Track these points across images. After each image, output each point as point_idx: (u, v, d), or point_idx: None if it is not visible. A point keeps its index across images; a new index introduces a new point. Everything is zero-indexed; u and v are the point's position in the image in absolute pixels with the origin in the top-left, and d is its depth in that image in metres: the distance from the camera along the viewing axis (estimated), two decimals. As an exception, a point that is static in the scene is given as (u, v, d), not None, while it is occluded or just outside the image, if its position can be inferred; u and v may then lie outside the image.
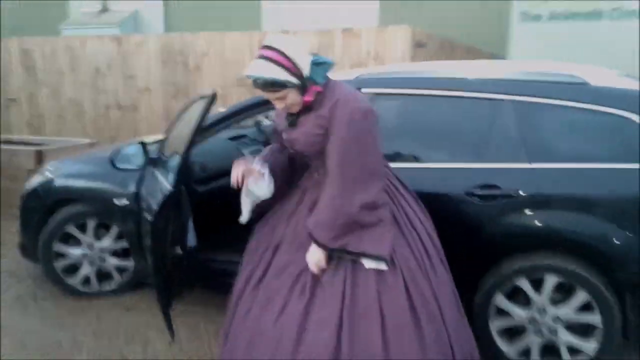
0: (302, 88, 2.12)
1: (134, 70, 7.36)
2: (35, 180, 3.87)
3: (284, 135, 2.34)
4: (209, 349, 3.08)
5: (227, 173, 3.83)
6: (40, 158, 5.30)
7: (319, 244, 2.14)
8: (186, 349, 3.09)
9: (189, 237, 3.00)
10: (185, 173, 2.91)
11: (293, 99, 2.14)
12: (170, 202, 2.78)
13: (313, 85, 2.14)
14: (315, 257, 2.18)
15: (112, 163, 3.38)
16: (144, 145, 3.39)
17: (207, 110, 2.83)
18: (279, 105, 2.19)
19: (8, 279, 4.04)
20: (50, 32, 11.07)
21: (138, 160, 3.41)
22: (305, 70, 2.10)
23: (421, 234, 2.28)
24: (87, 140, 6.33)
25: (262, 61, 2.07)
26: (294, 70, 2.07)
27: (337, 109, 2.11)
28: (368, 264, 2.12)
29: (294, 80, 2.08)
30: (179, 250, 2.91)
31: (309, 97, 2.15)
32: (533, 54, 7.16)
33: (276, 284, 2.26)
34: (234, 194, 3.86)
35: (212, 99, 2.83)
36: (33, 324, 3.37)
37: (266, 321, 2.20)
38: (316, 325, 2.11)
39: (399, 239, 2.19)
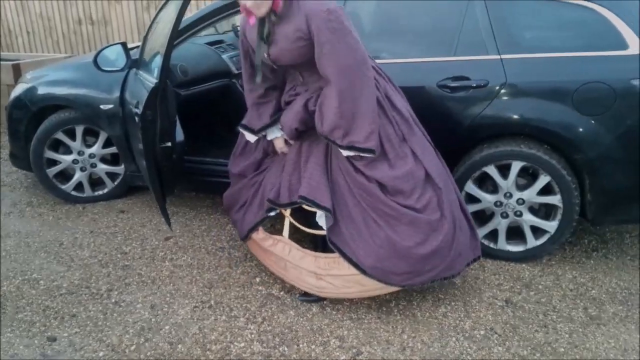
0: None
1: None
2: (17, 89, 3.90)
3: (264, 56, 2.41)
4: (202, 242, 3.32)
5: (207, 78, 3.97)
6: (18, 72, 5.27)
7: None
8: (181, 243, 3.31)
9: (177, 131, 3.13)
10: (168, 69, 2.93)
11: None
12: (157, 95, 2.83)
13: None
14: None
15: (97, 64, 3.36)
16: (124, 45, 3.41)
17: (186, 2, 2.73)
18: (249, 4, 2.24)
19: (1, 188, 4.16)
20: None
21: (120, 62, 3.43)
22: None
23: (401, 110, 2.50)
24: (63, 55, 6.25)
25: None
26: None
27: (312, 19, 2.21)
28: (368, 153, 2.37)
29: None
30: (168, 144, 3.02)
31: (278, 1, 2.24)
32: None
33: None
34: (215, 99, 3.99)
35: None
36: (33, 227, 3.54)
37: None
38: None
39: (383, 120, 2.41)
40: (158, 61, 2.92)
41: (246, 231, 2.81)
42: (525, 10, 2.84)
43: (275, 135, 2.68)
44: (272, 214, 2.71)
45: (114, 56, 3.47)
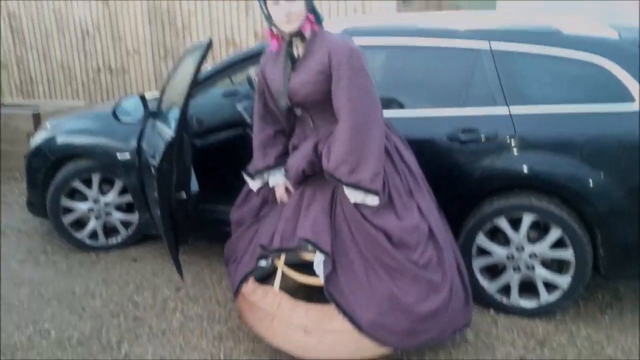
0: (311, 9, 2.33)
1: (122, 31, 7.36)
2: (37, 138, 3.99)
3: (282, 91, 2.45)
4: (213, 292, 3.32)
5: (222, 128, 4.05)
6: (38, 120, 5.41)
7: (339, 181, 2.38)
8: (192, 293, 3.32)
9: (192, 182, 3.19)
10: (185, 121, 2.99)
11: (300, 9, 2.30)
12: (174, 147, 2.89)
13: (316, 18, 2.36)
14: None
15: (115, 115, 3.47)
16: (143, 98, 3.52)
17: (203, 57, 2.81)
18: (287, 7, 2.29)
19: (17, 236, 4.22)
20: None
21: (138, 113, 3.54)
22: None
23: (409, 164, 2.55)
24: (82, 103, 6.41)
25: None
26: None
27: (333, 54, 2.31)
28: (372, 199, 2.36)
29: None
30: (183, 196, 3.07)
31: (308, 23, 2.34)
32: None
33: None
34: (230, 149, 4.07)
35: (208, 46, 2.82)
36: (46, 275, 3.57)
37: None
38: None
39: (391, 171, 2.46)
40: (175, 113, 2.99)
41: (237, 284, 2.71)
42: (531, 62, 2.89)
43: (277, 181, 2.70)
44: (264, 263, 2.60)
45: (132, 108, 3.57)
